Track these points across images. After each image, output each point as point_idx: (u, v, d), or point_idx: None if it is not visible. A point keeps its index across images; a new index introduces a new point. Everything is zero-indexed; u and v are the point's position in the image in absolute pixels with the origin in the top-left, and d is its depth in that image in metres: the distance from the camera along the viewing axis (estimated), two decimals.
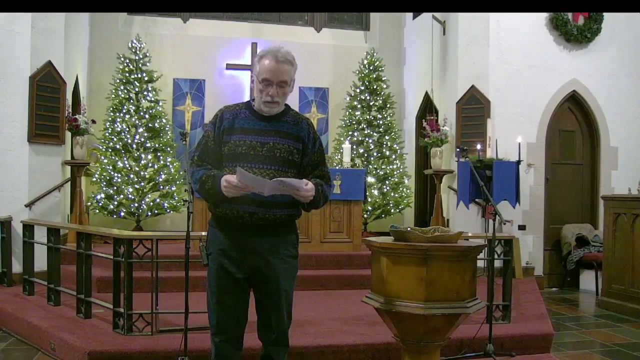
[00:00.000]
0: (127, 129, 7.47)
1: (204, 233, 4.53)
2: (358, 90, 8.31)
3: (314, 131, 2.65)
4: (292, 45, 8.19)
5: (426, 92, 8.11)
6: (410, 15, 8.89)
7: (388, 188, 8.03)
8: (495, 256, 4.34)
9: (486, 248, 4.40)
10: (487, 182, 6.09)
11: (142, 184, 7.40)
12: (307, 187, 2.42)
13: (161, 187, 7.55)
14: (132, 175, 7.37)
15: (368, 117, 8.19)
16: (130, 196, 7.35)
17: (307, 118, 2.70)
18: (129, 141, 7.45)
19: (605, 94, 7.54)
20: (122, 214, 7.41)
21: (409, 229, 2.68)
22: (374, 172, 8.03)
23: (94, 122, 6.86)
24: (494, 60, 7.10)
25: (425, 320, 2.58)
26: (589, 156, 7.70)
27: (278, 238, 2.56)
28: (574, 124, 7.67)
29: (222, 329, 2.58)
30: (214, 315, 2.59)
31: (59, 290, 4.87)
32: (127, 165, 7.39)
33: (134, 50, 7.70)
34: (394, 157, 8.18)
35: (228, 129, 2.55)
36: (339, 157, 7.93)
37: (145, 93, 7.66)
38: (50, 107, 6.04)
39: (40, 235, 5.48)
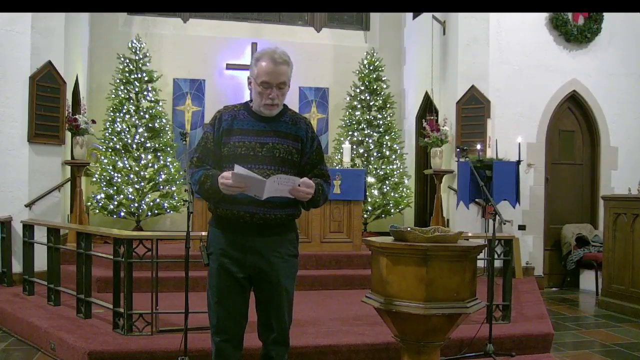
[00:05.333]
0: (127, 129, 7.47)
1: (204, 233, 4.54)
2: (358, 90, 8.31)
3: (312, 130, 2.66)
4: (292, 45, 8.25)
5: (426, 92, 8.11)
6: (410, 15, 8.89)
7: (388, 188, 8.03)
8: (495, 256, 4.34)
9: (486, 248, 4.39)
10: (487, 182, 6.08)
11: (142, 184, 7.40)
12: (306, 182, 2.43)
13: (161, 187, 7.55)
14: (132, 175, 7.37)
15: (368, 117, 8.19)
16: (130, 196, 7.35)
17: (305, 117, 2.71)
18: (129, 141, 7.45)
19: (605, 94, 7.54)
20: (122, 214, 7.41)
21: (409, 229, 2.67)
22: (374, 172, 8.03)
23: (94, 122, 6.86)
24: (494, 60, 7.10)
25: (425, 320, 2.58)
26: (589, 156, 7.70)
27: (278, 237, 2.57)
28: (574, 124, 7.67)
29: (222, 329, 2.58)
30: (214, 315, 2.59)
31: (59, 290, 4.87)
32: (127, 165, 7.39)
33: (134, 50, 7.70)
34: (394, 157, 8.17)
35: (227, 130, 2.56)
36: (339, 157, 7.93)
37: (145, 93, 7.66)
38: (50, 107, 6.04)
39: (40, 235, 5.48)
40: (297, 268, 2.68)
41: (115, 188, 7.30)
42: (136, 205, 7.39)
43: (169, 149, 7.70)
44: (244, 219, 2.50)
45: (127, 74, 7.61)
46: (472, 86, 6.96)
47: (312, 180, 2.51)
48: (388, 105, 8.34)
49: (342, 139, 8.22)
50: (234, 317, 2.58)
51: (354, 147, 8.00)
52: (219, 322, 2.58)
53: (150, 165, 7.52)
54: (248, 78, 2.61)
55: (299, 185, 2.41)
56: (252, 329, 2.67)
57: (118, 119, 7.49)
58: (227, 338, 2.59)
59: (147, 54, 7.82)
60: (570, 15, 7.30)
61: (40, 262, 5.38)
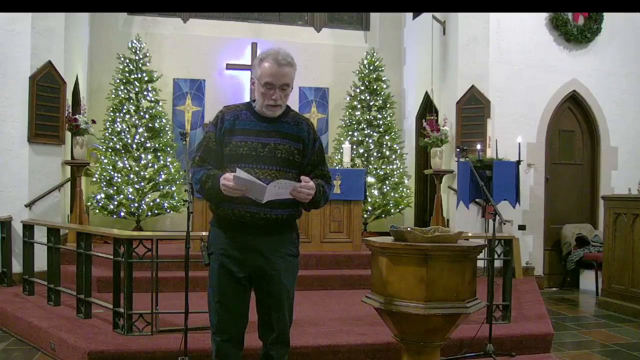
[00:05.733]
0: (127, 129, 7.47)
1: (204, 233, 4.52)
2: (358, 90, 8.31)
3: (313, 131, 2.67)
4: (292, 45, 8.24)
5: (426, 92, 8.11)
6: (410, 15, 8.89)
7: (388, 188, 8.03)
8: (495, 256, 4.34)
9: (486, 248, 4.40)
10: (487, 182, 6.09)
11: (142, 184, 7.40)
12: (308, 184, 2.43)
13: (161, 187, 7.55)
14: (132, 175, 7.37)
15: (368, 117, 8.19)
16: (130, 196, 7.35)
17: (307, 118, 2.71)
18: (129, 141, 7.45)
19: (605, 94, 7.54)
20: (122, 214, 7.41)
21: (409, 229, 2.67)
22: (374, 172, 8.03)
23: (94, 122, 6.87)
24: (494, 60, 7.10)
25: (425, 320, 2.58)
26: (589, 156, 7.70)
27: (279, 237, 2.58)
28: (574, 124, 7.67)
29: (222, 329, 2.59)
30: (214, 315, 2.59)
31: (59, 290, 4.86)
32: (127, 165, 7.39)
33: (134, 50, 7.70)
34: (394, 157, 8.17)
35: (229, 129, 2.56)
36: (339, 157, 7.93)
37: (145, 93, 7.66)
38: (50, 107, 6.04)
39: (40, 235, 5.48)
40: (298, 268, 2.69)
41: (115, 188, 7.29)
42: (136, 205, 7.39)
43: (169, 149, 7.70)
44: (244, 218, 2.50)
45: (127, 74, 7.61)
46: (472, 86, 6.96)
47: (313, 180, 2.51)
48: (388, 105, 8.34)
49: (342, 139, 8.22)
50: (234, 317, 2.58)
51: (354, 147, 8.00)
52: (219, 321, 2.58)
53: (150, 165, 7.51)
54: (251, 78, 2.62)
55: (300, 187, 2.42)
56: (252, 328, 2.67)
57: (118, 119, 7.49)
58: (228, 338, 2.59)
59: (147, 54, 7.82)
60: (570, 15, 7.30)
61: (40, 262, 5.38)
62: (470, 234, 4.93)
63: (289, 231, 2.63)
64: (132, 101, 7.58)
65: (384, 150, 8.15)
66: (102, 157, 7.46)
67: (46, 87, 5.99)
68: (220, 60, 8.73)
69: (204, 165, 2.58)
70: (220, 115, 2.61)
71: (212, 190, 2.49)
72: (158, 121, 7.66)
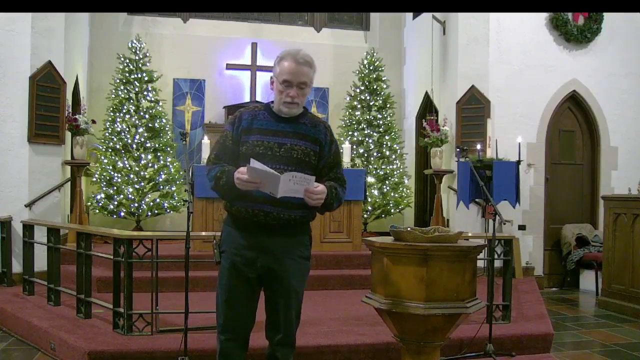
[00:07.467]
0: (127, 129, 7.47)
1: (204, 233, 4.53)
2: (358, 90, 8.31)
3: (330, 134, 2.69)
4: (292, 45, 8.18)
5: (426, 92, 8.11)
6: (410, 15, 8.89)
7: (388, 188, 8.03)
8: (495, 256, 4.34)
9: (486, 248, 4.39)
10: (487, 182, 6.09)
11: (142, 184, 7.40)
12: (317, 189, 2.43)
13: (161, 187, 7.55)
14: (132, 175, 7.37)
15: (368, 117, 8.18)
16: (130, 196, 7.35)
17: (324, 121, 2.74)
18: (129, 141, 7.45)
19: (605, 94, 7.54)
20: (122, 214, 7.41)
21: (409, 229, 2.68)
22: (374, 172, 8.03)
23: (94, 122, 6.86)
24: (494, 60, 7.10)
25: (425, 320, 2.58)
26: (589, 156, 7.70)
27: (292, 239, 2.58)
28: (574, 124, 7.67)
29: (228, 328, 2.59)
30: (221, 314, 2.60)
31: (59, 290, 4.86)
32: (127, 165, 7.39)
33: (134, 50, 7.70)
34: (394, 157, 8.17)
35: (246, 129, 2.57)
36: None
37: (145, 93, 7.66)
38: (50, 107, 6.03)
39: (40, 235, 5.48)
40: (309, 270, 2.69)
41: (115, 188, 7.29)
42: (136, 205, 7.39)
43: (169, 149, 7.70)
44: (257, 217, 2.50)
45: (127, 74, 7.61)
46: (472, 86, 6.96)
47: (325, 184, 2.52)
48: (388, 105, 8.34)
49: (342, 139, 8.21)
50: (240, 318, 2.59)
51: (354, 147, 8.00)
52: (225, 321, 2.59)
53: (150, 165, 7.51)
54: (271, 78, 2.65)
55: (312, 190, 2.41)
56: (257, 328, 2.67)
57: (118, 119, 7.49)
58: (233, 337, 2.60)
59: (147, 54, 7.82)
60: (570, 15, 7.30)
61: (40, 262, 5.38)
62: (470, 234, 4.93)
63: (302, 233, 2.63)
64: (132, 101, 7.58)
65: (384, 150, 8.14)
66: (102, 157, 7.46)
67: (46, 87, 5.99)
68: (220, 60, 8.74)
69: (218, 163, 2.58)
70: (239, 114, 2.63)
71: (226, 186, 2.49)
72: (158, 121, 7.66)
